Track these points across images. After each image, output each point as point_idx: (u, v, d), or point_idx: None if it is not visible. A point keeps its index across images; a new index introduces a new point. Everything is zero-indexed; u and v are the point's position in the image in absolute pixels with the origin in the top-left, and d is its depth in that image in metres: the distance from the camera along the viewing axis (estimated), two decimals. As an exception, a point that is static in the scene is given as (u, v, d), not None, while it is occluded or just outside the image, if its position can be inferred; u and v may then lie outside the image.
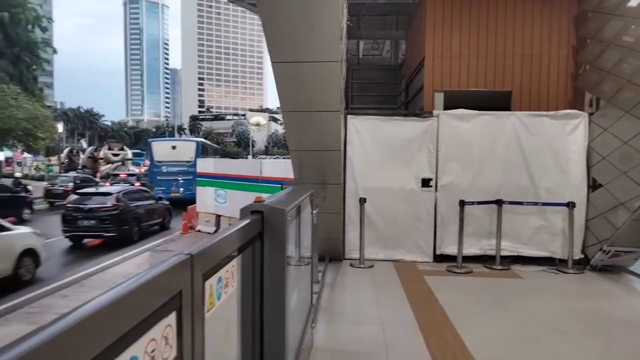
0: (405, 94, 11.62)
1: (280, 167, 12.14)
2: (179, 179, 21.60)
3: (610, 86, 6.70)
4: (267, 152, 63.53)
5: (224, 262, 1.60)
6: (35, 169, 40.60)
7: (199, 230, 14.10)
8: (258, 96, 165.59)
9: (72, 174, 28.36)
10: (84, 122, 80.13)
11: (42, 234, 9.73)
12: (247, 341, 2.11)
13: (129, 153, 40.92)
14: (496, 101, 7.90)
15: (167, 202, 16.18)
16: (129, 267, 9.76)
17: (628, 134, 6.14)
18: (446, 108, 7.69)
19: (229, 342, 2.01)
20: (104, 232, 12.51)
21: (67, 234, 12.57)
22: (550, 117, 7.07)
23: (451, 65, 8.05)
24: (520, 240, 7.13)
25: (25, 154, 38.00)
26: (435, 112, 7.32)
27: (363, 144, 7.21)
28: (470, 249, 7.06)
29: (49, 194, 22.99)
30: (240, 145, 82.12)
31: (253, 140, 72.82)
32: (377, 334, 4.37)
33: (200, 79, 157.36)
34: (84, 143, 54.93)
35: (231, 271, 1.70)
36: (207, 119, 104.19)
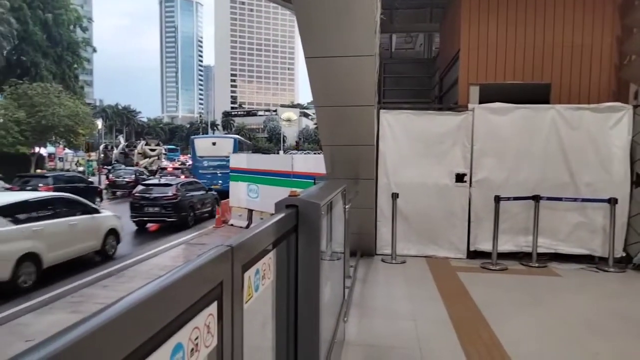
0: (439, 87, 11.46)
1: (311, 162, 12.22)
2: (218, 172, 22.86)
3: (657, 77, 6.40)
4: (298, 147, 63.75)
5: (261, 255, 1.62)
6: (76, 164, 42.18)
7: (231, 225, 14.35)
8: (289, 92, 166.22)
9: (133, 168, 31.25)
10: (121, 119, 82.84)
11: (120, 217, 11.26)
12: (282, 333, 2.13)
13: (163, 149, 43.65)
14: (534, 94, 7.67)
15: (214, 193, 17.54)
16: (165, 260, 10.05)
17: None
18: (482, 102, 7.53)
19: (264, 333, 2.04)
20: (166, 217, 14.20)
21: (135, 219, 14.30)
22: (592, 110, 6.80)
23: (487, 57, 7.86)
24: (558, 237, 6.91)
25: (67, 150, 39.43)
26: (470, 106, 7.17)
27: (396, 138, 7.14)
28: (505, 246, 6.90)
29: (113, 185, 25.75)
30: (272, 141, 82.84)
31: (284, 136, 73.23)
32: (410, 329, 4.34)
33: (232, 75, 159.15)
34: (121, 139, 56.69)
35: (267, 264, 1.72)
36: (240, 115, 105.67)
